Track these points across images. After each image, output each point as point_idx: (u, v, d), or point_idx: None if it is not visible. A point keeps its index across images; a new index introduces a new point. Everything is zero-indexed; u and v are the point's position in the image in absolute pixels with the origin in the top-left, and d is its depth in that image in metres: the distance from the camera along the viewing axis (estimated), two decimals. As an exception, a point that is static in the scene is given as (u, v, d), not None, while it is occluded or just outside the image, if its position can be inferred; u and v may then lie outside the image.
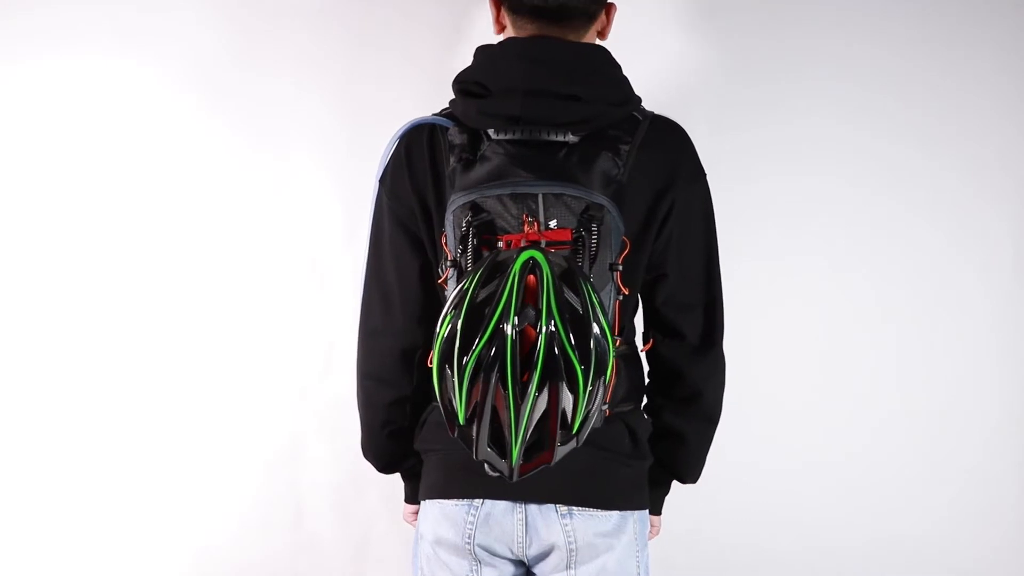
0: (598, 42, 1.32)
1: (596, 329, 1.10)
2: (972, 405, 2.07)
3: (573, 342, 1.09)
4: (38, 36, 1.91)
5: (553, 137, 1.21)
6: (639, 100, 1.29)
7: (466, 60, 1.32)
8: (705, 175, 1.31)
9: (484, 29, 2.01)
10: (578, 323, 1.10)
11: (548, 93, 1.22)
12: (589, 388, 1.11)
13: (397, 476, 1.53)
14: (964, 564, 2.07)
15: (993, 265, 2.05)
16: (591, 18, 1.29)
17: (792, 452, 2.06)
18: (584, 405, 1.12)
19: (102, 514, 1.99)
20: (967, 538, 2.07)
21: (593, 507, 1.28)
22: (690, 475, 1.40)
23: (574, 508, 1.28)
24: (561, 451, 1.14)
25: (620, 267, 1.19)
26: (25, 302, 1.96)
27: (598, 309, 1.12)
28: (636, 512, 1.31)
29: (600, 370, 1.11)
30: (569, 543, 1.28)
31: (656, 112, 1.28)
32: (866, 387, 2.06)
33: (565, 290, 1.11)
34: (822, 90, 2.01)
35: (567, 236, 1.18)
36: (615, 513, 1.29)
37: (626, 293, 1.21)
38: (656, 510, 1.42)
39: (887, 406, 2.07)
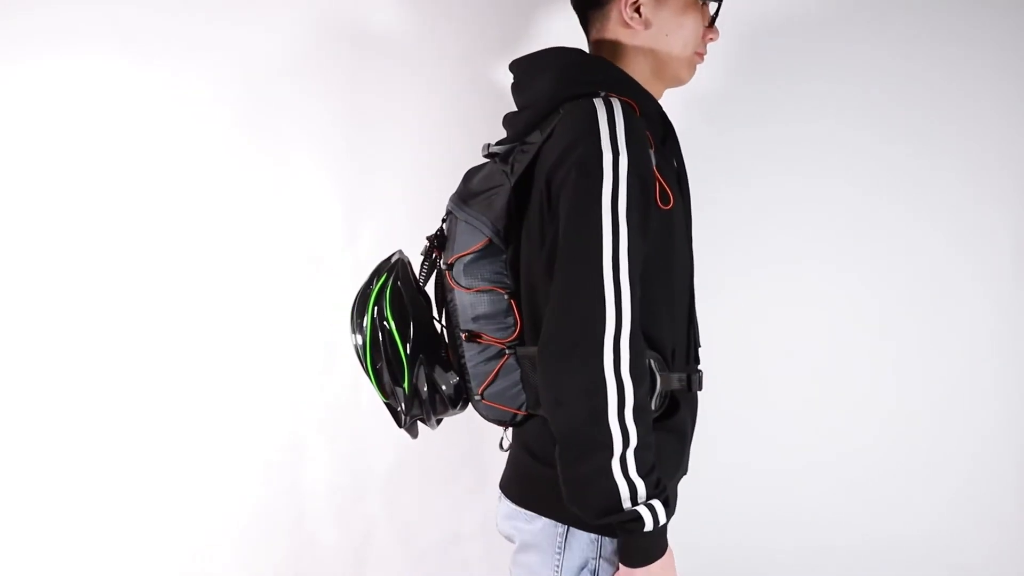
0: (622, 38, 1.36)
1: (374, 313, 1.35)
2: (972, 405, 2.07)
3: (356, 321, 1.37)
4: (38, 36, 1.91)
5: (484, 153, 1.39)
6: (588, 90, 1.26)
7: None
8: (586, 149, 1.17)
9: (482, 32, 2.02)
10: (360, 306, 1.37)
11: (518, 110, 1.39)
12: (375, 364, 1.35)
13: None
14: (964, 564, 2.07)
15: (993, 265, 2.05)
16: (599, 5, 1.37)
17: (792, 452, 2.06)
18: (375, 379, 1.37)
19: (102, 515, 1.99)
20: (967, 538, 2.07)
21: (513, 502, 1.34)
22: (567, 498, 1.19)
23: (507, 500, 1.36)
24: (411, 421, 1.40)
25: (445, 267, 1.35)
26: (25, 302, 1.95)
27: (384, 299, 1.35)
28: (562, 526, 1.26)
29: (376, 349, 1.35)
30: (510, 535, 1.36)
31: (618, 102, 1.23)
32: (866, 387, 2.06)
33: (374, 281, 1.38)
34: (822, 90, 2.01)
35: (427, 242, 1.41)
36: (536, 516, 1.28)
37: (499, 292, 1.31)
38: (626, 559, 1.21)
39: (887, 406, 2.06)
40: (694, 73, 1.41)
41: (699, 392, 1.39)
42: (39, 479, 1.98)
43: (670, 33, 1.36)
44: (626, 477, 1.15)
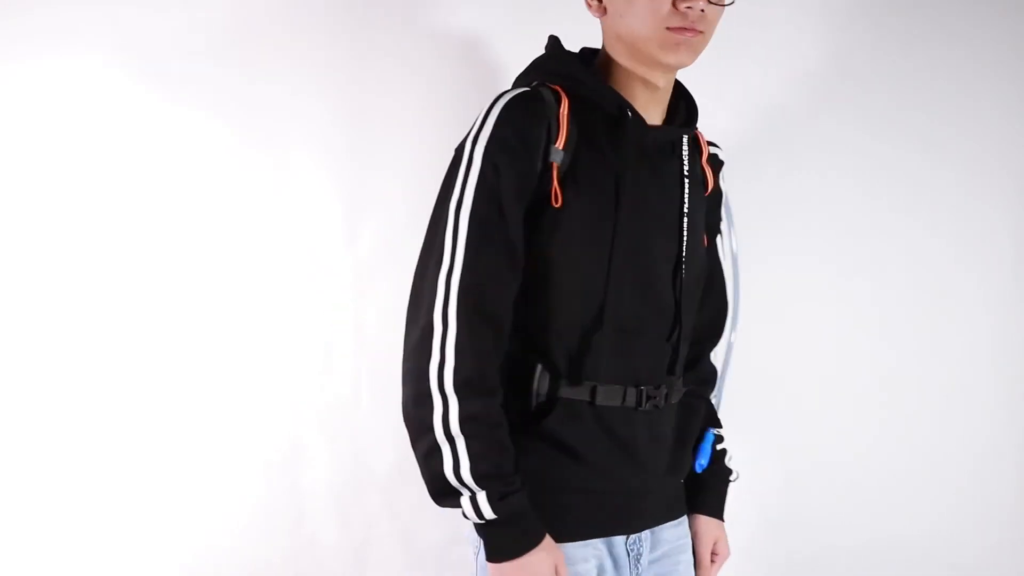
0: (602, 28, 1.38)
1: None
2: (972, 405, 2.07)
3: None
4: (38, 36, 1.91)
5: None
6: (524, 83, 1.35)
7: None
8: (459, 144, 1.30)
9: (481, 35, 2.02)
10: None
11: None
12: None
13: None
14: (964, 564, 2.07)
15: (993, 266, 2.05)
16: None
17: (791, 452, 2.06)
18: None
19: (101, 515, 1.99)
20: (967, 538, 2.07)
21: None
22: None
23: None
24: None
25: None
26: (23, 303, 1.95)
27: None
28: None
29: None
30: None
31: None
32: (865, 386, 2.06)
33: None
34: (821, 91, 2.01)
35: None
36: None
37: None
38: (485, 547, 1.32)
39: (887, 406, 2.07)
40: (680, 50, 1.27)
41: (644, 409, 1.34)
42: (38, 480, 1.97)
43: (623, 14, 1.28)
44: (451, 444, 1.19)
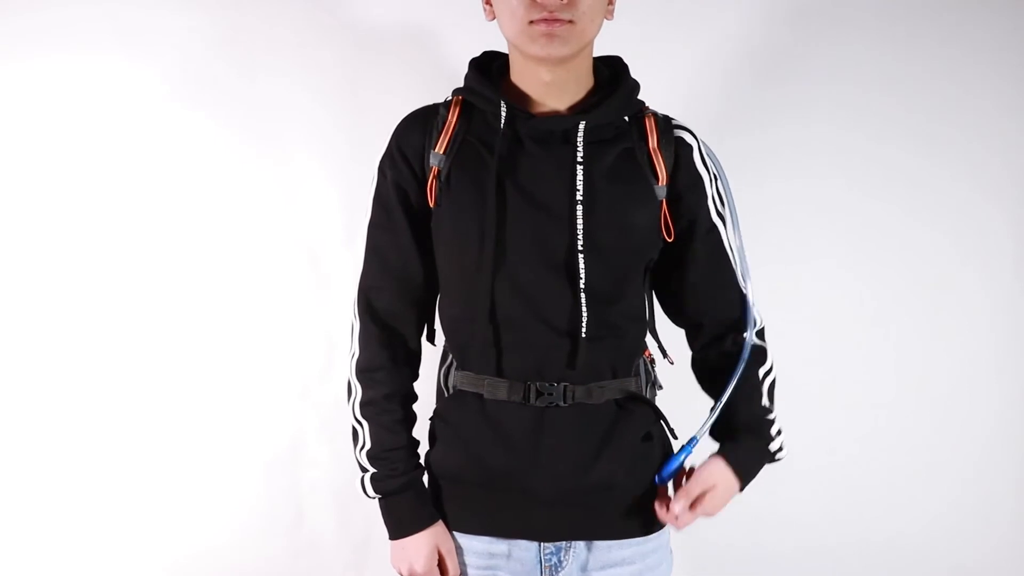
0: None
1: None
2: (972, 405, 2.07)
3: None
4: (38, 36, 1.91)
5: None
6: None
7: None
8: None
9: (482, 32, 2.01)
10: None
11: None
12: None
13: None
14: (964, 564, 2.08)
15: (993, 265, 2.05)
16: None
17: (791, 452, 2.06)
18: None
19: (102, 515, 1.99)
20: (967, 538, 2.08)
21: None
22: None
23: None
24: None
25: None
26: (24, 302, 1.95)
27: None
28: None
29: None
30: None
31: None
32: (866, 386, 2.06)
33: None
34: (821, 92, 2.01)
35: None
36: None
37: None
38: None
39: (887, 406, 2.07)
40: (549, 42, 1.23)
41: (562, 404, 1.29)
42: (39, 480, 1.98)
43: (498, 15, 1.30)
44: (361, 427, 1.35)
